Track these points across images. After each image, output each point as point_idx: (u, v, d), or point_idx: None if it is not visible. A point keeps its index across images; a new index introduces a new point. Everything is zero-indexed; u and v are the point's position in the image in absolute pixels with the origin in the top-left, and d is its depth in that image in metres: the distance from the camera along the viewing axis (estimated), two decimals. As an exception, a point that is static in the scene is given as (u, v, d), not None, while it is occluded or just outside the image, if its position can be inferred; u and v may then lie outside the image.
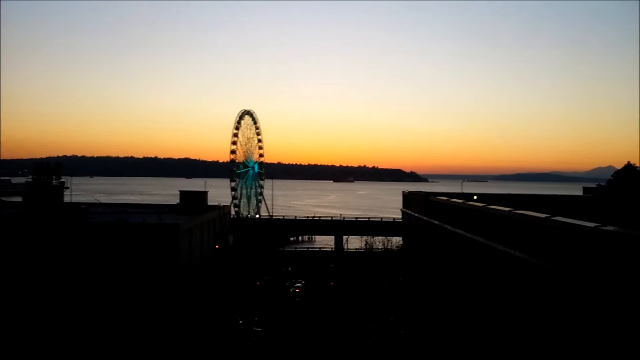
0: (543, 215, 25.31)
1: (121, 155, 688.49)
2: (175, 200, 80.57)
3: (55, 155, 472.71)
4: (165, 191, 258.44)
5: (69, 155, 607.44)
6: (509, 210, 29.44)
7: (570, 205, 47.43)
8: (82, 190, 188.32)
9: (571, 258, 21.56)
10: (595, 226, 20.31)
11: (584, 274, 20.25)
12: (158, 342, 42.33)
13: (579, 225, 21.53)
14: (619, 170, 52.98)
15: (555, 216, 24.52)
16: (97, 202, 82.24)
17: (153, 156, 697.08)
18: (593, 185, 63.53)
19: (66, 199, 67.42)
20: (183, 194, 78.11)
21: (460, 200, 40.45)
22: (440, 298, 40.43)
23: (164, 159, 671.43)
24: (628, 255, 17.94)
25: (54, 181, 60.46)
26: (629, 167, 51.10)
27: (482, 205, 34.76)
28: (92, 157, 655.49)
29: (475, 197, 47.85)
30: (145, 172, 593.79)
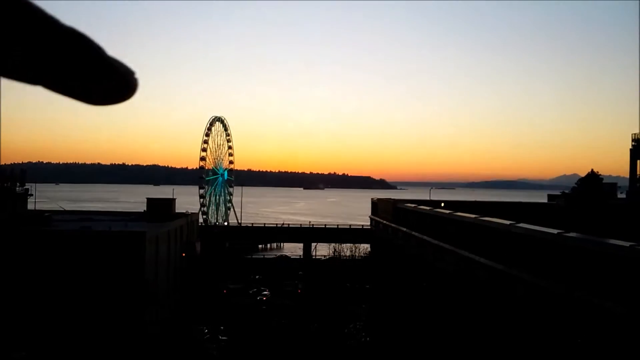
0: (508, 222, 25.60)
1: (88, 162, 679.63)
2: (142, 207, 79.60)
3: (20, 162, 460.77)
4: (132, 198, 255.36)
5: (34, 161, 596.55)
6: (475, 217, 29.70)
7: (535, 212, 48.05)
8: (47, 198, 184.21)
9: (535, 264, 21.85)
10: (558, 233, 20.65)
11: (546, 279, 20.52)
12: (123, 351, 41.62)
13: (542, 231, 21.88)
14: (582, 177, 53.86)
15: (519, 223, 24.80)
16: (62, 209, 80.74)
17: (121, 163, 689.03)
18: (558, 192, 64.48)
19: (30, 206, 66.13)
20: (150, 201, 77.27)
21: (427, 207, 40.67)
22: (408, 304, 40.55)
23: (132, 165, 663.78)
24: (589, 260, 18.26)
25: (17, 188, 59.21)
26: (592, 174, 51.98)
27: (449, 212, 35.00)
28: (58, 164, 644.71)
29: (442, 204, 48.13)
30: (113, 178, 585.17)
